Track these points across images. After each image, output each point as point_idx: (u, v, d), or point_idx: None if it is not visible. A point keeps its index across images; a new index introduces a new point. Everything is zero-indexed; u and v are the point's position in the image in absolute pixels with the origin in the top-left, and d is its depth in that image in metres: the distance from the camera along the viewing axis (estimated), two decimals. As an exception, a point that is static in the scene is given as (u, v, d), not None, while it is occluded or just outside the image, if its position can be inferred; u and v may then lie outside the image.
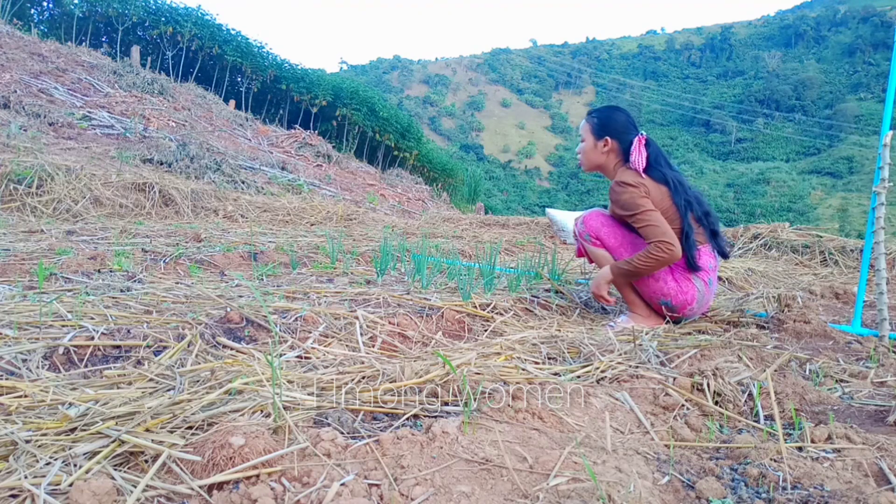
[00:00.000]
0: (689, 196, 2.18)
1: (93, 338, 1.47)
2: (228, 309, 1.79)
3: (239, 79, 15.07)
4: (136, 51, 12.55)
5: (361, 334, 1.73)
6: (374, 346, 1.69)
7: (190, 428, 1.03)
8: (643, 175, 2.17)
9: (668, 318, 2.27)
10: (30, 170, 4.42)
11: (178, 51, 13.79)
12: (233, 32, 14.75)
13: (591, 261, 2.40)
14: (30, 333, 1.47)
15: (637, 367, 1.53)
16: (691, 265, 2.13)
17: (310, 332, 1.69)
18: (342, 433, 1.04)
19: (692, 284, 2.17)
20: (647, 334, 1.95)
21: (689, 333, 2.07)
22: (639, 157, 2.18)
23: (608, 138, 2.25)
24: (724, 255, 2.25)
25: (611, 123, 2.26)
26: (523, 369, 1.47)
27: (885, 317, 1.99)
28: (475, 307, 2.15)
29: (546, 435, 1.12)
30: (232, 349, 1.55)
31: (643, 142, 2.21)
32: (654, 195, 2.14)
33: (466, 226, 7.22)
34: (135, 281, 2.26)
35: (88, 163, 5.43)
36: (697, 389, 1.38)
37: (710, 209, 2.24)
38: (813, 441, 1.15)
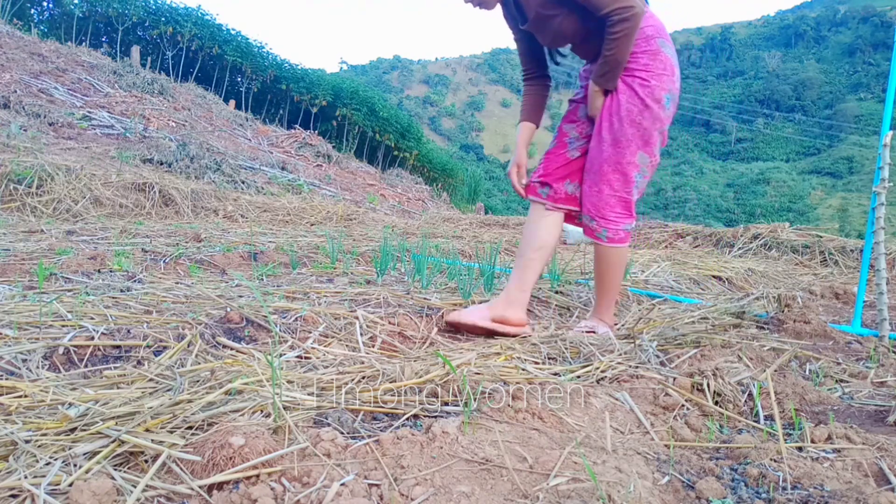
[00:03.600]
0: None
1: (93, 338, 1.47)
2: (228, 309, 1.79)
3: (239, 79, 15.06)
4: (136, 51, 12.55)
5: (361, 334, 1.73)
6: (374, 346, 1.69)
7: (190, 428, 1.03)
8: None
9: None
10: (30, 170, 4.42)
11: (178, 51, 13.79)
12: (233, 32, 14.74)
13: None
14: (30, 333, 1.47)
15: (637, 367, 1.53)
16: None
17: (310, 332, 1.69)
18: (342, 433, 1.04)
19: (662, 54, 1.81)
20: (646, 334, 1.95)
21: (689, 334, 2.07)
22: None
23: None
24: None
25: None
26: (523, 369, 1.47)
27: (885, 317, 1.99)
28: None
29: (546, 435, 1.12)
30: (232, 349, 1.55)
31: None
32: None
33: (466, 226, 7.22)
34: (135, 281, 2.26)
35: (88, 163, 5.43)
36: (697, 389, 1.38)
37: None
38: (813, 441, 1.15)
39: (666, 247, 5.82)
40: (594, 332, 1.97)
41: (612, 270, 2.01)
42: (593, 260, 2.06)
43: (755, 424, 1.27)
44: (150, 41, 14.03)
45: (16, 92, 7.63)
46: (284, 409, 1.07)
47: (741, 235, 5.55)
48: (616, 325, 2.09)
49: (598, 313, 2.05)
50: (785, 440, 1.13)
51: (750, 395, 1.38)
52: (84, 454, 0.92)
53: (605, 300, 2.04)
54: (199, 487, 0.85)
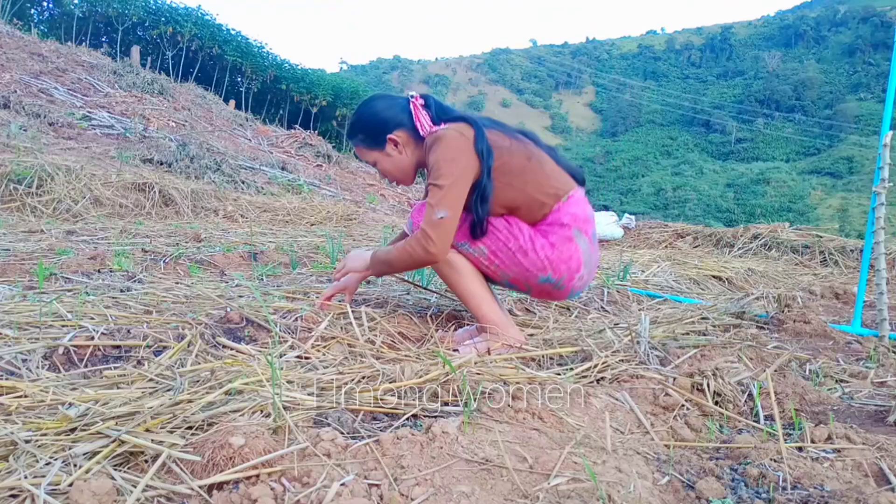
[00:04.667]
0: (511, 131, 1.72)
1: (93, 338, 1.47)
2: (228, 309, 1.79)
3: (239, 79, 15.06)
4: (136, 51, 12.54)
5: (361, 334, 1.72)
6: (374, 346, 1.69)
7: (190, 428, 1.03)
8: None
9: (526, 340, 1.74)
10: (30, 170, 4.42)
11: (178, 51, 13.79)
12: (233, 32, 14.75)
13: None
14: (30, 333, 1.47)
15: (637, 367, 1.53)
16: (475, 232, 1.63)
17: (310, 332, 1.69)
18: (342, 433, 1.04)
19: (573, 244, 1.64)
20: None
21: (688, 334, 2.07)
22: (420, 118, 1.69)
23: (391, 135, 1.71)
24: (582, 182, 1.77)
25: (377, 119, 1.72)
26: (523, 369, 1.47)
27: (885, 317, 1.99)
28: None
29: (546, 435, 1.12)
30: (232, 349, 1.55)
31: (418, 102, 1.72)
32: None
33: (466, 226, 7.20)
34: (135, 281, 2.25)
35: (88, 163, 5.42)
36: (697, 389, 1.38)
37: (552, 148, 1.79)
38: (813, 441, 1.15)
39: (666, 247, 5.82)
40: (457, 349, 1.71)
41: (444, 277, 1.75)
42: None
43: (755, 424, 1.27)
44: (150, 41, 14.03)
45: (16, 92, 7.62)
46: (284, 409, 1.07)
47: (741, 235, 5.55)
48: (523, 343, 1.71)
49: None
50: (785, 440, 1.13)
51: (750, 395, 1.38)
52: (84, 454, 0.92)
53: (472, 312, 1.77)
54: (199, 487, 0.85)
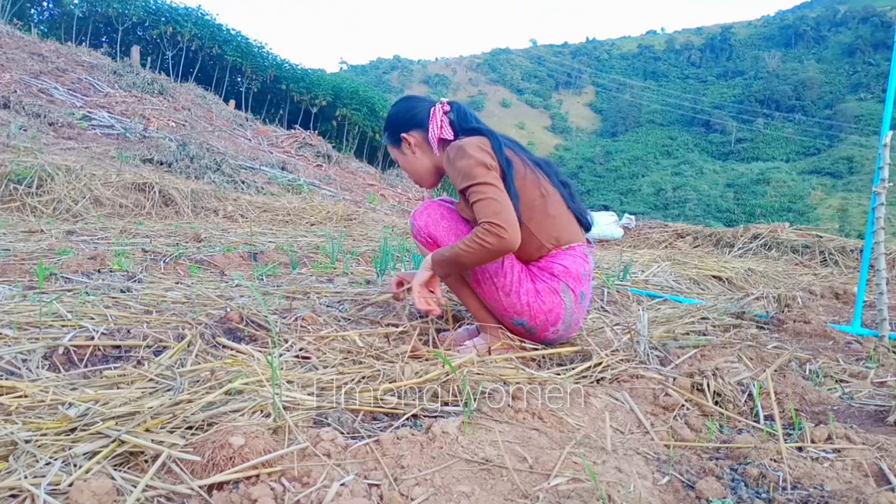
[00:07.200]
0: (530, 157, 1.72)
1: (93, 338, 1.47)
2: (228, 309, 1.79)
3: (239, 79, 15.06)
4: (136, 51, 12.55)
5: (361, 334, 1.72)
6: (373, 346, 1.69)
7: (190, 428, 1.03)
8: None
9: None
10: (30, 170, 4.42)
11: (178, 51, 13.79)
12: (233, 32, 14.75)
13: None
14: (30, 333, 1.47)
15: (637, 366, 1.53)
16: None
17: (310, 333, 1.69)
18: (342, 433, 1.04)
19: (558, 298, 1.63)
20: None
21: (688, 334, 2.07)
22: (435, 125, 1.71)
23: (404, 134, 1.74)
24: (588, 228, 1.78)
25: (398, 118, 1.77)
26: (523, 369, 1.47)
27: (885, 317, 1.99)
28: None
29: (546, 435, 1.12)
30: (232, 349, 1.55)
31: (441, 108, 1.73)
32: None
33: (466, 226, 7.19)
34: (135, 281, 2.26)
35: (88, 163, 5.42)
36: (697, 389, 1.38)
37: (568, 181, 1.77)
38: (813, 441, 1.15)
39: (666, 247, 5.82)
40: (457, 349, 1.74)
41: None
42: None
43: (755, 424, 1.27)
44: (150, 41, 14.03)
45: (16, 92, 7.62)
46: (284, 409, 1.07)
47: (741, 235, 5.55)
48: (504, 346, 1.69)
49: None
50: (785, 440, 1.13)
51: (750, 395, 1.38)
52: (84, 454, 0.92)
53: (472, 312, 1.80)
54: (199, 487, 0.85)
